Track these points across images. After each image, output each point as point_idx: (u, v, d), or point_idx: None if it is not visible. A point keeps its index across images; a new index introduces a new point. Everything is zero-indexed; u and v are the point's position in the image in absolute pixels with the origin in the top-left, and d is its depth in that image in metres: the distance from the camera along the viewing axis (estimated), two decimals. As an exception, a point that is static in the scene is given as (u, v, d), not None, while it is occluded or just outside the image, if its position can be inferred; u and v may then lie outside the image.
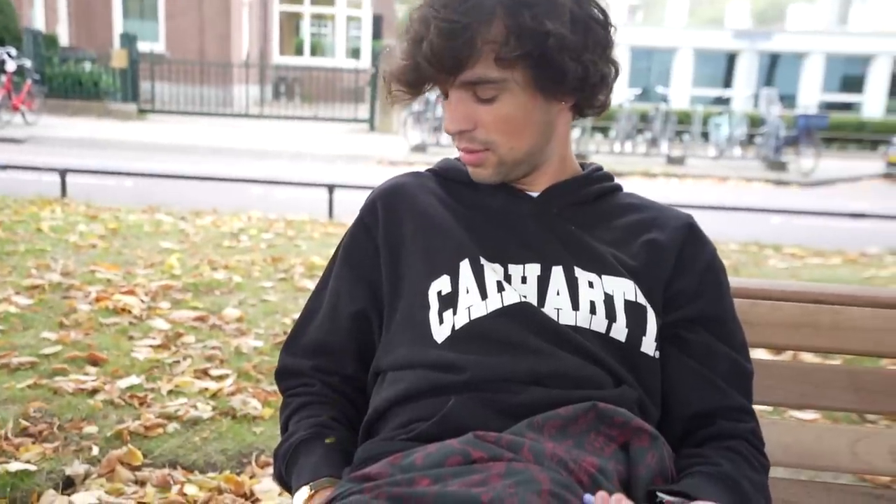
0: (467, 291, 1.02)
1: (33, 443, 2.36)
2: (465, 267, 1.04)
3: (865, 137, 18.62)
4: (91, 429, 2.47)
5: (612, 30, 1.05)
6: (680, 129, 14.90)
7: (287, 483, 1.07)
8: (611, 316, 1.02)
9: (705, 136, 15.31)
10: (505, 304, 1.00)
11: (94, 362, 3.02)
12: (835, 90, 21.11)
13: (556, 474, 0.87)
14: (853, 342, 1.26)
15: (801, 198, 10.75)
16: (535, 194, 1.10)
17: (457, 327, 1.01)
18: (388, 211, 1.13)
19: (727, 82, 21.30)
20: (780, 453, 1.24)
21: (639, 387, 1.01)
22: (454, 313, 1.02)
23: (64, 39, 19.68)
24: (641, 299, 1.04)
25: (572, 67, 1.00)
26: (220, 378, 2.96)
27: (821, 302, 1.28)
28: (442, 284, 1.04)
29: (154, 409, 2.65)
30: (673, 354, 1.05)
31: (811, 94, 20.68)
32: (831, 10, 23.11)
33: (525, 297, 1.01)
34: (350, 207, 1.20)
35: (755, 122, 15.37)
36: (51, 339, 3.24)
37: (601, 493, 0.85)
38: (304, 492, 0.99)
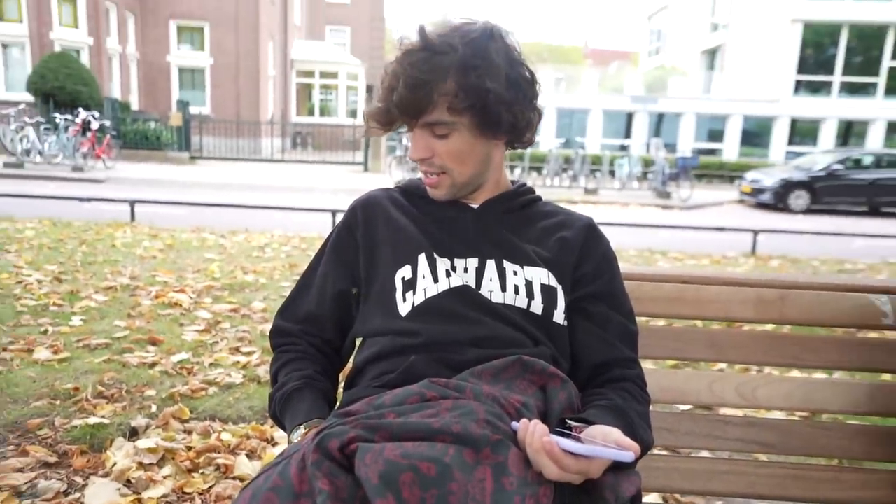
0: (423, 277, 1.01)
1: (107, 403, 2.32)
2: (422, 259, 1.03)
3: (725, 174, 18.93)
4: (150, 392, 2.44)
5: (538, 85, 1.05)
6: (593, 168, 15.03)
7: (280, 420, 1.05)
8: (530, 295, 1.02)
9: (612, 173, 15.44)
10: (451, 287, 1.00)
11: (154, 343, 2.97)
12: (703, 139, 21.45)
13: (490, 407, 0.86)
14: (709, 311, 1.27)
15: (681, 217, 10.90)
16: (475, 206, 1.10)
17: (416, 304, 1.00)
18: (366, 216, 1.12)
19: (627, 134, 21.56)
20: (659, 393, 1.24)
21: (552, 347, 1.01)
22: (413, 293, 1.01)
23: (135, 105, 19.45)
24: (553, 282, 1.04)
25: (506, 117, 1.00)
26: (249, 354, 2.92)
27: (687, 282, 1.29)
28: (405, 272, 1.03)
29: (198, 377, 2.61)
30: (579, 322, 1.05)
31: (686, 142, 21.02)
32: (699, 82, 23.56)
33: (466, 282, 1.01)
34: None
35: (647, 163, 15.56)
36: (121, 325, 3.18)
37: (524, 420, 0.85)
38: (300, 430, 0.97)
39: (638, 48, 34.48)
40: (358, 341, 1.11)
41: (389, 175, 14.16)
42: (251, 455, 2.03)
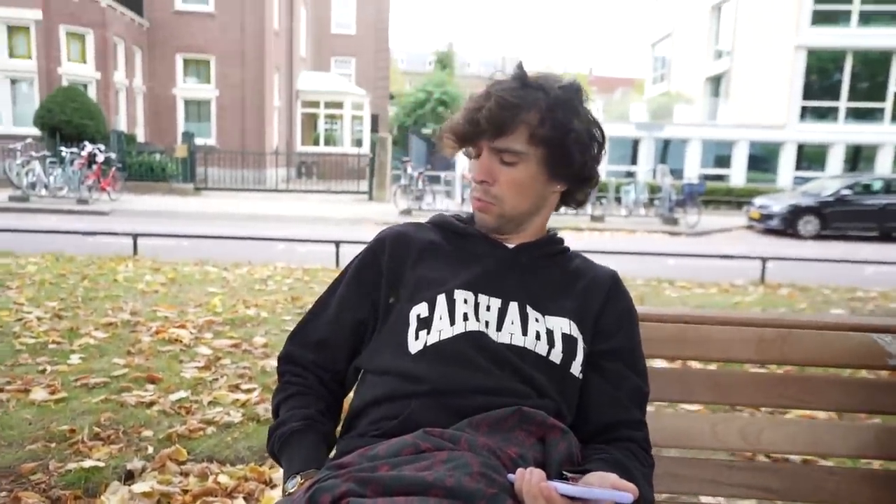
0: (440, 318, 1.01)
1: (103, 444, 2.30)
2: (441, 300, 1.03)
3: (732, 199, 18.94)
4: (147, 433, 2.42)
5: (603, 152, 1.09)
6: (600, 195, 15.07)
7: (277, 458, 1.04)
8: (551, 343, 1.02)
9: (618, 199, 15.48)
10: (467, 331, 1.00)
11: (152, 381, 2.96)
12: (710, 165, 21.48)
13: (486, 459, 0.86)
14: (711, 351, 1.26)
15: (688, 245, 10.87)
16: (510, 246, 1.10)
17: (428, 344, 1.00)
18: (394, 249, 1.11)
19: (633, 160, 21.64)
20: (661, 436, 1.23)
21: (560, 399, 1.00)
22: (427, 333, 1.01)
23: (141, 137, 19.72)
24: (575, 332, 1.04)
25: (578, 158, 1.04)
26: (249, 391, 2.89)
27: (688, 322, 1.28)
28: (421, 310, 1.03)
29: (197, 416, 2.59)
30: (594, 378, 1.05)
31: (693, 168, 21.06)
32: (705, 109, 23.73)
33: (488, 321, 1.01)
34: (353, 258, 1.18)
35: (654, 189, 15.58)
36: (120, 363, 3.17)
37: (519, 470, 0.84)
38: (296, 479, 0.96)
39: (643, 75, 34.84)
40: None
41: (394, 204, 14.24)
42: (249, 498, 2.00)
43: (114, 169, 13.74)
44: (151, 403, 2.69)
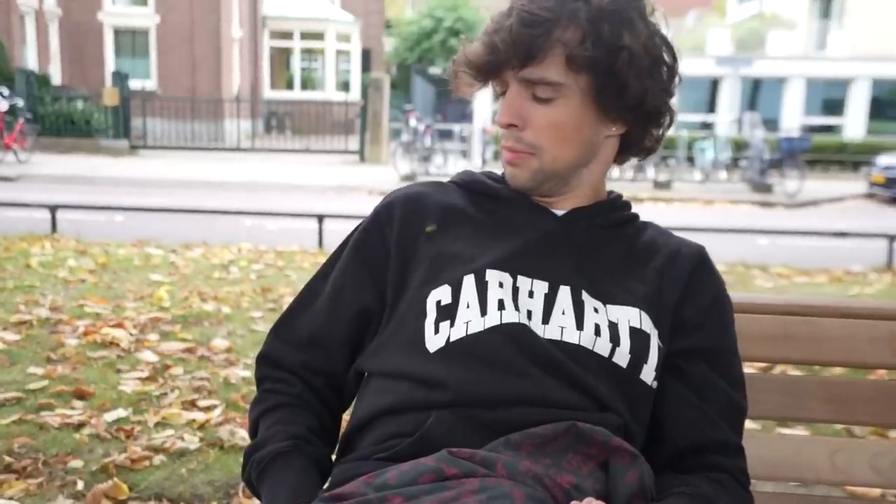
0: (468, 306, 1.00)
1: (17, 479, 2.31)
2: (469, 281, 1.02)
3: (847, 159, 18.76)
4: (76, 463, 2.43)
5: (676, 78, 1.07)
6: (665, 154, 14.98)
7: (254, 489, 1.05)
8: (615, 340, 1.01)
9: (690, 160, 15.38)
10: (503, 322, 0.99)
11: (81, 396, 2.98)
12: (816, 113, 21.27)
13: (530, 490, 0.86)
14: (828, 353, 1.25)
15: (786, 219, 10.80)
16: (559, 213, 1.10)
17: (451, 340, 0.99)
18: (406, 217, 1.10)
19: (711, 107, 21.46)
20: (759, 466, 1.22)
21: (628, 414, 1.00)
22: (451, 325, 1.00)
23: (56, 79, 19.79)
24: (647, 326, 1.03)
25: (635, 86, 1.01)
26: (208, 409, 2.91)
27: (797, 313, 1.27)
28: (442, 294, 1.02)
29: (141, 441, 2.61)
30: (671, 385, 1.04)
31: (793, 117, 20.83)
32: (810, 37, 23.42)
33: (530, 311, 1.01)
34: (341, 238, 1.17)
35: (739, 146, 15.48)
36: (37, 373, 3.19)
37: (574, 502, 0.84)
38: None
39: (725, -8, 34.37)
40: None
41: (393, 167, 14.23)
42: (210, 548, 2.02)
43: (21, 121, 13.84)
44: (80, 425, 2.70)
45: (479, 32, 1.07)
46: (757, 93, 21.80)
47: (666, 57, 1.05)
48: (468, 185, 1.15)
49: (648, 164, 14.34)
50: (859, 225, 9.64)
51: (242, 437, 2.65)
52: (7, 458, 2.43)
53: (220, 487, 2.34)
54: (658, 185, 13.70)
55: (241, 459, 2.47)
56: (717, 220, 9.79)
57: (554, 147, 1.04)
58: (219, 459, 2.50)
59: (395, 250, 1.09)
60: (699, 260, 1.10)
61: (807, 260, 6.78)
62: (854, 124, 20.92)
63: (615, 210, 1.13)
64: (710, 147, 15.04)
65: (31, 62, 18.81)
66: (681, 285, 1.07)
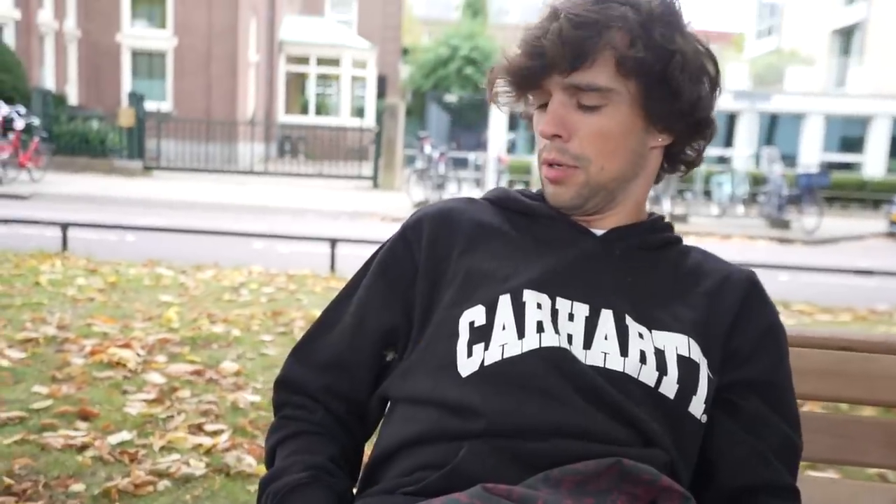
0: (503, 328, 0.96)
1: (17, 501, 2.28)
2: (504, 301, 0.97)
3: (867, 197, 18.70)
4: (78, 486, 2.39)
5: (718, 90, 1.03)
6: (682, 187, 14.98)
7: None
8: (661, 368, 0.95)
9: (707, 194, 15.37)
10: (542, 346, 0.94)
11: (85, 417, 2.94)
12: (835, 150, 21.28)
13: (572, 531, 0.79)
14: (885, 392, 1.20)
15: (805, 256, 10.72)
16: (598, 233, 1.05)
17: (486, 363, 0.94)
18: (435, 234, 1.06)
19: (728, 141, 21.47)
20: (810, 513, 1.15)
21: (674, 450, 0.94)
22: (485, 348, 0.95)
23: (73, 99, 20.04)
24: (696, 355, 0.97)
25: (687, 92, 0.98)
26: (215, 434, 2.87)
27: (850, 349, 1.22)
28: (476, 315, 0.97)
29: (145, 465, 2.56)
30: (722, 421, 0.99)
31: (811, 153, 20.82)
32: (829, 73, 23.48)
33: (571, 335, 0.96)
34: (353, 262, 1.14)
35: (757, 181, 15.46)
36: (42, 393, 3.16)
37: None
38: None
39: (743, 28, 34.61)
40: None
41: (407, 194, 14.27)
42: (214, 581, 1.96)
43: (37, 139, 13.97)
44: (84, 447, 2.66)
45: (518, 41, 1.02)
46: (774, 128, 21.84)
47: (710, 66, 1.02)
48: (501, 201, 1.11)
49: (665, 196, 14.34)
50: (881, 264, 9.55)
51: (249, 463, 2.59)
52: (7, 480, 2.39)
53: (225, 517, 2.28)
54: (674, 218, 13.62)
55: (248, 487, 2.42)
56: (735, 254, 9.71)
57: (601, 158, 1.00)
58: (224, 486, 2.46)
59: (424, 269, 1.04)
60: (751, 286, 1.05)
61: (829, 298, 6.71)
62: (874, 162, 20.91)
63: (657, 231, 1.08)
64: (727, 181, 15.03)
65: (49, 82, 19.07)
66: (731, 313, 1.02)
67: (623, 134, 0.99)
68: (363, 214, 12.17)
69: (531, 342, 0.94)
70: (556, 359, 0.94)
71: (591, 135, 0.99)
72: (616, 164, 1.00)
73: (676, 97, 0.98)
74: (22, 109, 14.15)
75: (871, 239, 13.76)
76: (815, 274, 7.84)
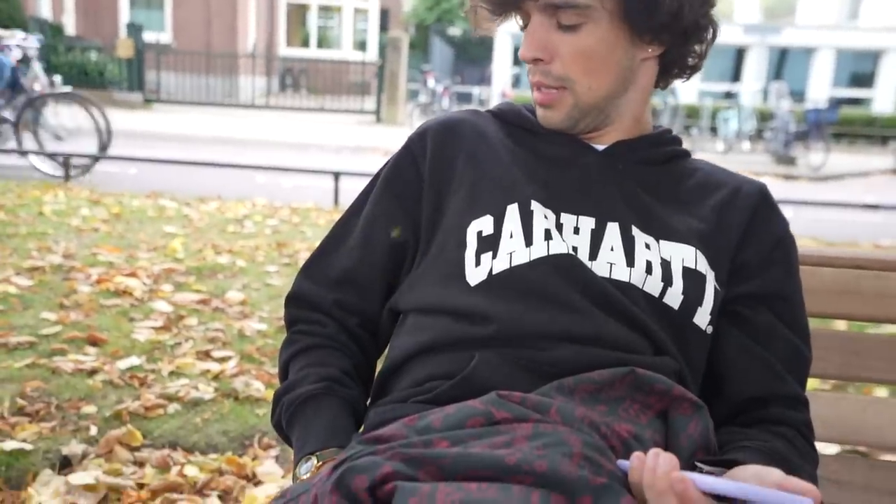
0: (511, 236, 0.95)
1: (30, 422, 2.32)
2: (512, 210, 0.97)
3: (875, 133, 18.53)
4: (89, 409, 2.43)
5: None
6: (688, 123, 14.85)
7: (285, 433, 1.01)
8: (667, 279, 0.95)
9: (713, 130, 15.24)
10: (550, 254, 0.93)
11: (94, 343, 2.98)
12: (844, 85, 21.01)
13: (587, 437, 0.80)
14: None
15: (810, 192, 10.66)
16: (601, 147, 1.03)
17: (494, 272, 0.94)
18: (439, 145, 1.05)
19: (736, 77, 21.22)
20: (820, 427, 1.15)
21: (682, 359, 0.95)
22: (493, 257, 0.95)
23: (70, 29, 19.70)
24: (702, 266, 0.97)
25: (669, 4, 0.93)
26: (223, 360, 2.91)
27: (863, 267, 1.22)
28: (483, 224, 0.97)
29: (154, 389, 2.60)
30: (730, 332, 0.99)
31: (820, 89, 20.55)
32: (841, 5, 23.01)
33: (576, 247, 0.95)
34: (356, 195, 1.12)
35: (764, 117, 15.31)
36: (50, 319, 3.19)
37: (636, 454, 0.78)
38: (311, 461, 0.92)
39: (754, -41, 33.79)
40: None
41: (410, 129, 14.15)
42: (225, 497, 2.00)
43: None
44: (94, 371, 2.70)
45: None
46: (783, 63, 21.55)
47: None
48: (506, 115, 1.09)
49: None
50: (886, 200, 9.51)
51: (257, 388, 2.63)
52: (20, 401, 2.44)
53: (234, 438, 2.33)
54: (680, 154, 13.58)
55: (257, 411, 2.46)
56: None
57: (586, 78, 0.97)
58: (233, 410, 2.50)
59: (430, 180, 1.04)
60: (761, 197, 1.04)
61: (834, 233, 6.71)
62: (884, 98, 20.65)
63: (663, 144, 1.06)
64: (733, 117, 14.88)
65: (45, 11, 18.72)
66: (742, 225, 1.01)
67: (607, 51, 0.96)
68: (366, 149, 12.08)
69: (539, 249, 0.94)
70: (565, 265, 0.93)
71: (573, 54, 0.96)
72: (604, 82, 0.98)
73: (656, 7, 0.94)
74: (23, 35, 13.93)
75: (877, 176, 13.68)
76: (819, 209, 7.81)
